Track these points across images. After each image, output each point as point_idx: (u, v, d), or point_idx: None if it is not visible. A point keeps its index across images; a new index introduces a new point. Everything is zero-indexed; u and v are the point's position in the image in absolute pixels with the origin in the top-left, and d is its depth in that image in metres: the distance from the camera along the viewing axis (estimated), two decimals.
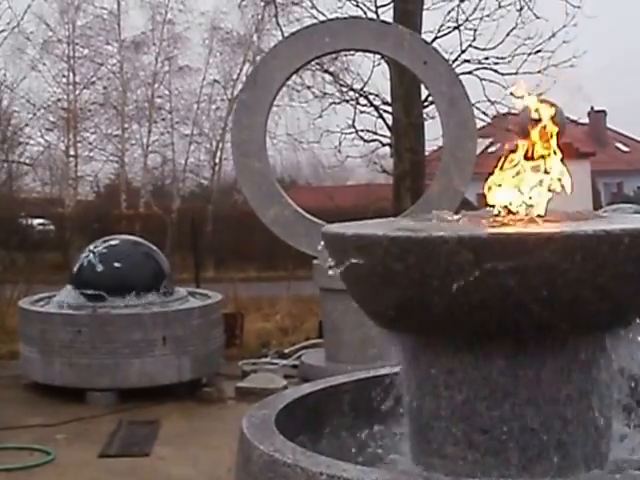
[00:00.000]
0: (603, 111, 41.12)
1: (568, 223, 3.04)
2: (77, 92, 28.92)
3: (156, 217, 26.91)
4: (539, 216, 3.15)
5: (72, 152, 29.09)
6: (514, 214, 3.19)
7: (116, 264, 8.41)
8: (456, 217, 3.28)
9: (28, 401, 8.37)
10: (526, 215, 3.17)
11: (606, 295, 2.87)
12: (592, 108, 37.31)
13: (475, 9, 18.47)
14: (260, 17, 27.10)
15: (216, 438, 6.81)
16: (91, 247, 8.75)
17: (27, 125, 29.01)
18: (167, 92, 29.64)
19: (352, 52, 17.89)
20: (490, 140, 30.90)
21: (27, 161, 30.11)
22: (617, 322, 3.02)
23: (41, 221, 28.08)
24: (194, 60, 29.81)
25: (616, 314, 2.97)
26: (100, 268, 8.40)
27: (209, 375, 8.80)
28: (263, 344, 11.14)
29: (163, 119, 29.77)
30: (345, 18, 9.34)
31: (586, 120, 34.45)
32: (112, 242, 8.69)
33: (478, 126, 19.92)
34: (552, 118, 3.43)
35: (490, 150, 30.32)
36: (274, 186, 9.16)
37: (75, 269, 8.65)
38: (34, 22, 28.29)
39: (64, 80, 29.01)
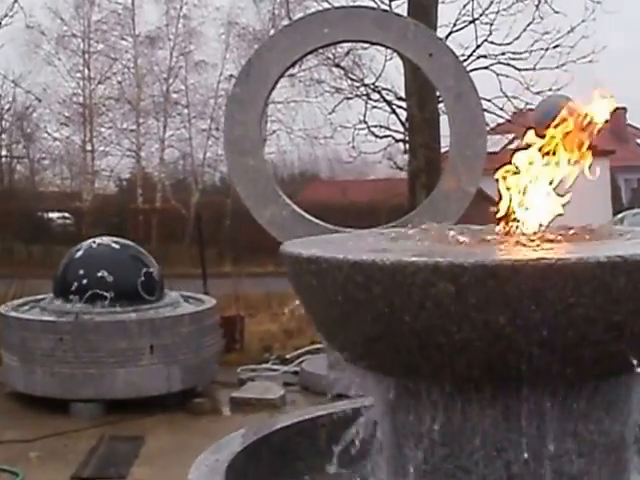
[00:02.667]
0: (623, 108, 40.48)
1: (576, 245, 2.48)
2: (92, 87, 28.72)
3: (173, 211, 26.66)
4: (542, 234, 2.60)
5: (88, 147, 28.82)
6: (510, 233, 2.63)
7: (101, 267, 7.87)
8: (450, 233, 2.73)
9: (9, 411, 7.86)
10: (525, 234, 2.62)
11: (622, 335, 2.31)
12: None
13: (491, 3, 18.09)
14: (276, 12, 26.76)
15: None
16: (75, 249, 8.23)
17: (39, 118, 28.79)
18: (183, 87, 29.36)
19: (362, 44, 17.49)
20: (513, 136, 30.30)
21: (44, 156, 29.98)
22: (634, 366, 2.45)
23: (60, 215, 27.89)
24: (210, 55, 29.59)
25: (634, 357, 2.41)
26: (84, 272, 7.88)
27: (202, 385, 8.28)
28: (265, 348, 10.60)
29: (179, 114, 29.53)
30: (344, 7, 8.78)
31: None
32: (98, 244, 8.14)
33: (497, 123, 19.52)
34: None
35: (511, 147, 29.78)
36: (271, 185, 8.61)
37: (58, 273, 8.13)
38: (49, 17, 28.48)
39: (79, 75, 28.85)
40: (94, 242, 8.18)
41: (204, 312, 8.25)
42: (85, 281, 7.85)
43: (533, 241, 2.52)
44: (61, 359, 7.55)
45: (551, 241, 2.50)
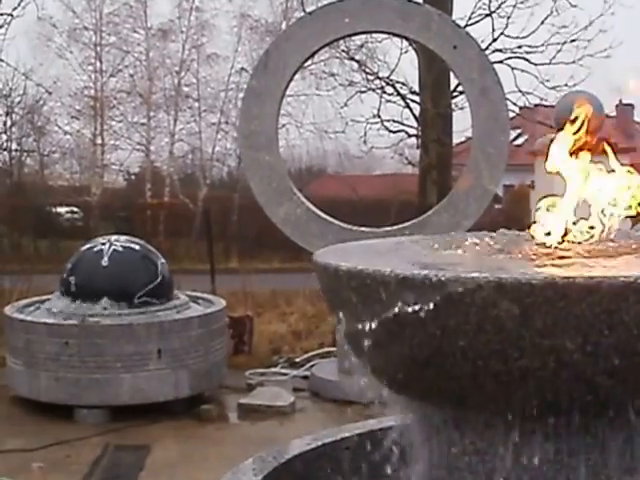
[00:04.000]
0: (631, 104, 40.28)
1: None
2: (104, 80, 28.70)
3: (181, 206, 26.51)
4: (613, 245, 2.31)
5: (99, 140, 28.79)
6: (575, 242, 2.34)
7: (108, 268, 7.58)
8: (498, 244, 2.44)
9: (12, 417, 7.56)
10: (593, 244, 2.33)
11: None
12: (620, 101, 36.56)
13: None
14: (289, 4, 26.62)
15: (209, 468, 5.96)
16: (84, 248, 7.92)
17: (50, 111, 28.71)
18: (194, 80, 29.24)
19: (377, 37, 17.24)
20: (519, 131, 29.99)
21: (54, 149, 29.92)
22: None
23: (69, 209, 27.70)
24: (222, 48, 29.48)
25: None
26: (91, 273, 7.58)
27: (211, 390, 7.99)
28: (274, 350, 10.30)
29: (190, 107, 29.43)
30: None
31: (614, 113, 33.53)
32: (104, 243, 7.80)
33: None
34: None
35: (517, 142, 29.47)
36: (286, 182, 8.31)
37: (64, 273, 7.82)
38: (61, 10, 28.40)
39: (90, 68, 28.83)
40: (102, 241, 7.86)
41: (213, 314, 7.94)
42: (92, 282, 7.55)
43: (609, 254, 2.24)
44: (66, 363, 7.25)
45: (627, 253, 2.22)
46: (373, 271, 2.10)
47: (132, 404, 7.30)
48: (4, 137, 27.42)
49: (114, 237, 8.10)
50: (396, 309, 2.06)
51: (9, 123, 27.46)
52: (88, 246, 7.94)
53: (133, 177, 32.11)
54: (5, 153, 27.80)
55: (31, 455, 6.48)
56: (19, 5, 17.88)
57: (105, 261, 7.64)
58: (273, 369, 9.40)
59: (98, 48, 28.65)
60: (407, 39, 12.03)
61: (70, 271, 7.74)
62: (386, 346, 2.20)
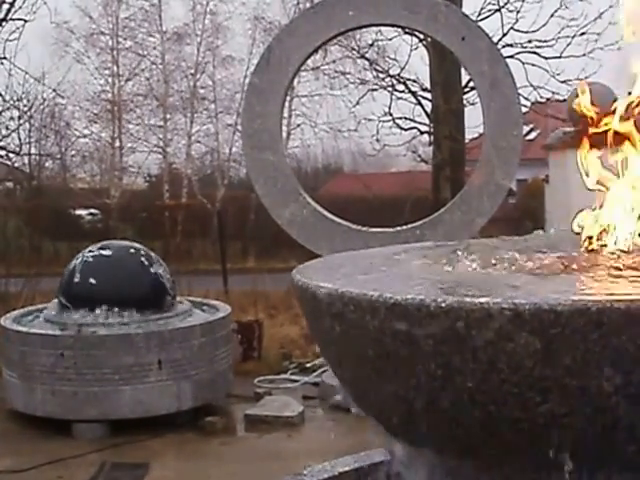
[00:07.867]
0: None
1: None
2: (121, 84, 28.95)
3: (199, 206, 26.52)
4: None
5: (117, 143, 29.02)
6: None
7: (107, 276, 7.19)
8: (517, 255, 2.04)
9: (7, 433, 7.18)
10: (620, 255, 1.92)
11: None
12: (629, 93, 36.16)
13: None
14: (301, 6, 26.49)
15: None
16: (80, 256, 7.53)
17: (69, 115, 28.76)
18: (210, 82, 29.42)
19: (387, 34, 16.98)
20: (531, 126, 29.62)
21: (73, 153, 30.03)
22: None
23: (89, 211, 27.67)
24: (237, 50, 29.74)
25: None
26: (88, 280, 7.20)
27: (217, 400, 7.60)
28: (285, 355, 9.93)
29: (206, 109, 29.58)
30: None
31: None
32: (103, 250, 7.39)
33: None
34: None
35: (530, 137, 29.14)
36: (291, 182, 7.92)
37: (62, 281, 7.44)
38: (78, 15, 28.43)
39: (107, 72, 29.04)
40: (102, 247, 7.48)
41: (217, 322, 7.54)
42: (89, 290, 7.18)
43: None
44: (62, 376, 6.87)
45: None
46: (357, 295, 1.69)
47: (132, 418, 6.93)
48: (23, 140, 27.30)
49: (112, 242, 7.76)
50: (386, 342, 1.66)
51: (27, 127, 27.34)
52: (84, 253, 7.56)
53: (153, 179, 32.12)
54: (24, 157, 27.67)
55: (22, 476, 6.12)
56: (31, 9, 17.70)
57: (101, 268, 7.28)
58: (283, 376, 9.04)
59: (115, 52, 28.90)
60: (415, 33, 11.71)
61: (66, 279, 7.38)
62: (376, 385, 1.80)
